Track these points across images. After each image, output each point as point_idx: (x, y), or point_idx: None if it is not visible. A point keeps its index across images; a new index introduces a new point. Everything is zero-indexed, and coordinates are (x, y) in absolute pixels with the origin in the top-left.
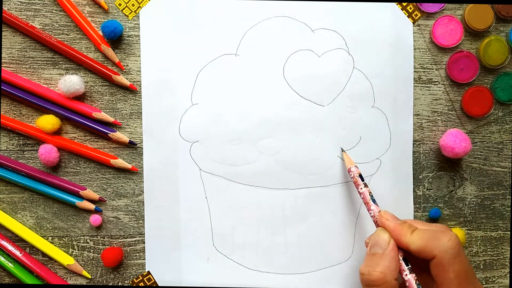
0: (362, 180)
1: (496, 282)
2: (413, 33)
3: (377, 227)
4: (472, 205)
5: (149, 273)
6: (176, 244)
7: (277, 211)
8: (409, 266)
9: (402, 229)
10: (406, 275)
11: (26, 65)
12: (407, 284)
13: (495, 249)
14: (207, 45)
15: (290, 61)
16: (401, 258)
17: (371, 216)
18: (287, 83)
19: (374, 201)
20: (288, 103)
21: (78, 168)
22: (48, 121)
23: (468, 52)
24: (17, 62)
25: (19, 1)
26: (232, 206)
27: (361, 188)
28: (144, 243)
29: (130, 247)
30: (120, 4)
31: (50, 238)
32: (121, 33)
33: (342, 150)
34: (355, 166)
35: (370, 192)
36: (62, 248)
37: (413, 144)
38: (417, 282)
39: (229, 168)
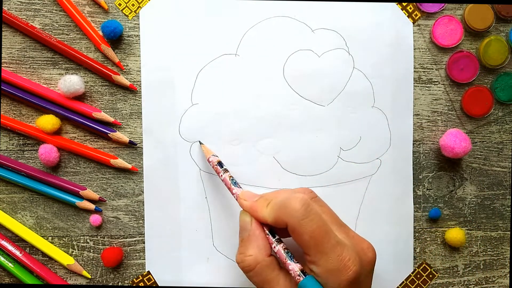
0: (222, 166)
1: (496, 282)
2: (413, 33)
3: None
4: (472, 205)
5: (149, 273)
6: (176, 244)
7: None
8: (277, 237)
9: (258, 205)
10: (274, 247)
11: (26, 65)
12: (278, 255)
13: (495, 249)
14: (207, 45)
15: (290, 61)
16: (267, 231)
17: (236, 200)
18: (287, 83)
19: (235, 183)
20: (288, 103)
21: (78, 168)
22: (48, 121)
23: (468, 52)
24: (17, 62)
25: (19, 1)
26: (232, 206)
27: (221, 175)
28: (144, 243)
29: (130, 247)
30: (120, 4)
31: (50, 238)
32: (121, 33)
33: (200, 143)
34: (213, 155)
35: (231, 177)
36: (62, 248)
37: (413, 144)
38: (286, 250)
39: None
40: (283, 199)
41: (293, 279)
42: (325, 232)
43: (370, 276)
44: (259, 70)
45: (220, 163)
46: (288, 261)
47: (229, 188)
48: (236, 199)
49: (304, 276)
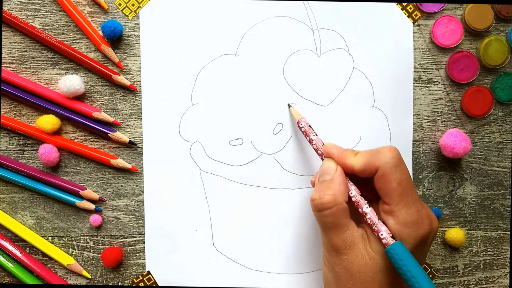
0: (313, 129)
1: (496, 282)
2: (413, 33)
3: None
4: (472, 205)
5: (149, 273)
6: (176, 244)
7: (277, 211)
8: (354, 187)
9: (346, 153)
10: (365, 208)
11: (26, 65)
12: (368, 216)
13: (495, 249)
14: (207, 45)
15: (290, 61)
16: (349, 180)
17: (316, 150)
18: (287, 83)
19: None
20: (288, 103)
21: (78, 168)
22: (48, 121)
23: (468, 52)
24: (17, 62)
25: (19, 1)
26: (232, 206)
27: (314, 135)
28: (144, 243)
29: (130, 247)
30: (120, 4)
31: (50, 238)
32: (121, 33)
33: (289, 106)
34: (303, 118)
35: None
36: (62, 248)
37: (413, 144)
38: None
39: (229, 168)
40: (375, 149)
41: (380, 242)
42: (411, 185)
43: (430, 244)
44: (259, 70)
45: (310, 126)
46: (380, 225)
47: (316, 150)
48: (317, 149)
49: (393, 241)
